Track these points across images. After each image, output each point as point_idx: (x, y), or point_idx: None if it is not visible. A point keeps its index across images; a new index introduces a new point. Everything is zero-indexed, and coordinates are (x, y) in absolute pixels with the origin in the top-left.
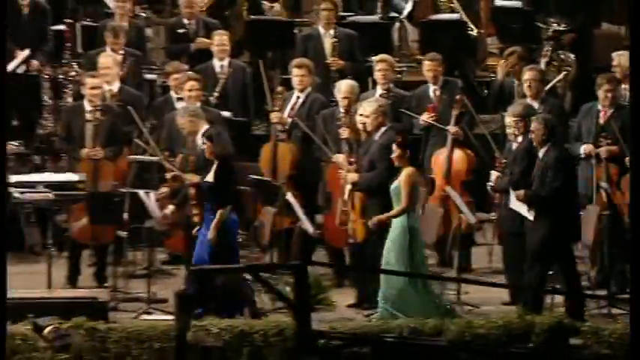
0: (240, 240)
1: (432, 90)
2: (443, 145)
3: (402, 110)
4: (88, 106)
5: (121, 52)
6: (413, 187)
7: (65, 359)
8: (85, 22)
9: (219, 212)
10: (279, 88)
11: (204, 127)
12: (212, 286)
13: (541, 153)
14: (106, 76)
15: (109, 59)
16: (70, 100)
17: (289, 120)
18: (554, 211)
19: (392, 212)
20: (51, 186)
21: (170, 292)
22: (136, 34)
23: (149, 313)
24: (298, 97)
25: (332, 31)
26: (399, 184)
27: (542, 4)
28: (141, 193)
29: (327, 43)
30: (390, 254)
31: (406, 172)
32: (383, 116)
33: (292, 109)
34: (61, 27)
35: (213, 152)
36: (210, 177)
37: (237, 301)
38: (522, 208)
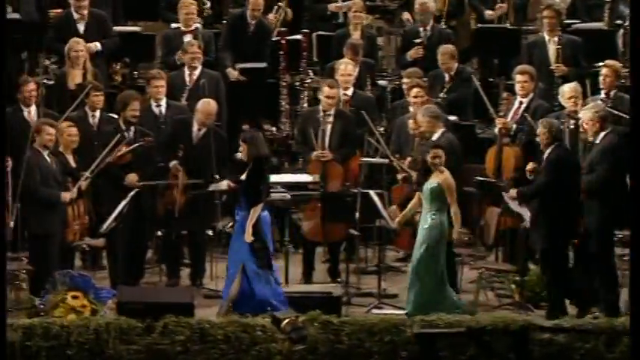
0: (467, 239)
1: None
2: None
3: (615, 112)
4: (321, 112)
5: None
6: (451, 187)
7: (301, 350)
8: (321, 33)
9: (252, 210)
10: (505, 94)
11: (441, 129)
12: (435, 347)
13: (545, 155)
14: (345, 82)
15: (349, 66)
16: (305, 105)
17: (513, 125)
18: (551, 210)
19: (457, 224)
20: (287, 186)
21: (400, 288)
22: (368, 42)
23: (380, 308)
24: (521, 103)
25: (556, 38)
26: (440, 186)
27: None
28: (372, 193)
29: (551, 49)
30: (422, 247)
31: (445, 174)
32: (601, 121)
33: (515, 114)
34: (298, 37)
35: (248, 154)
36: (244, 176)
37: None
38: (520, 208)
